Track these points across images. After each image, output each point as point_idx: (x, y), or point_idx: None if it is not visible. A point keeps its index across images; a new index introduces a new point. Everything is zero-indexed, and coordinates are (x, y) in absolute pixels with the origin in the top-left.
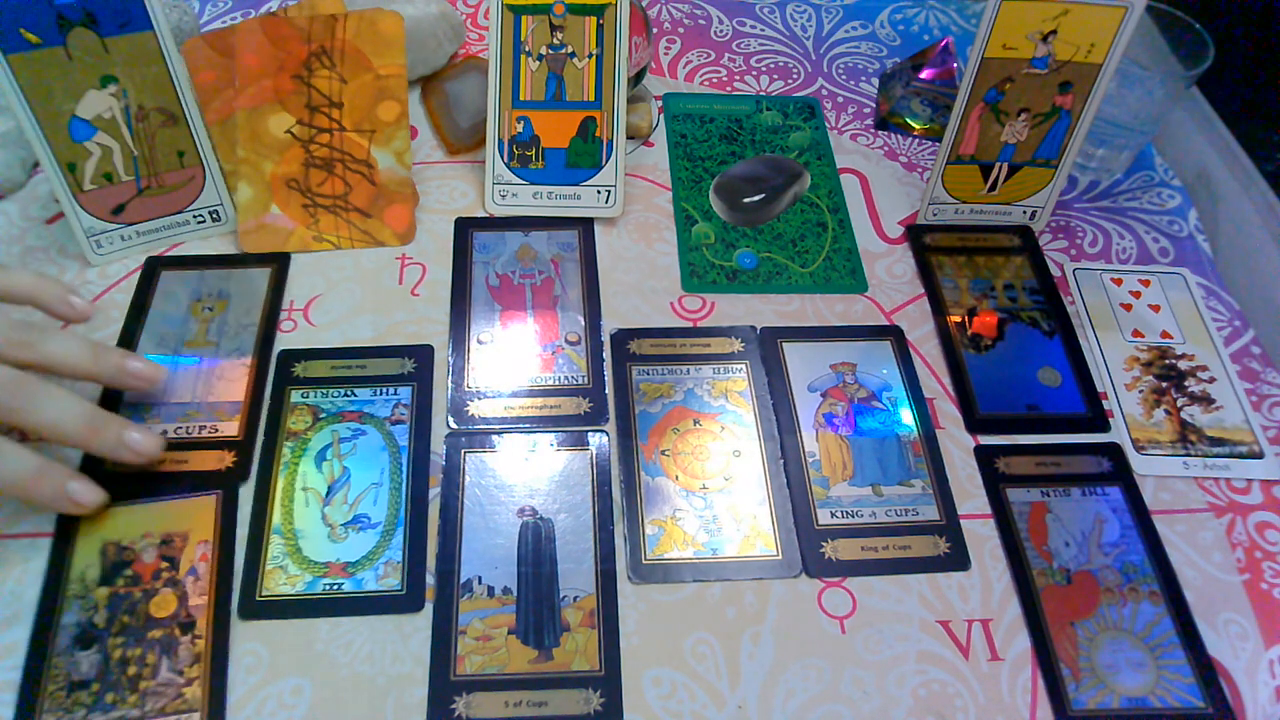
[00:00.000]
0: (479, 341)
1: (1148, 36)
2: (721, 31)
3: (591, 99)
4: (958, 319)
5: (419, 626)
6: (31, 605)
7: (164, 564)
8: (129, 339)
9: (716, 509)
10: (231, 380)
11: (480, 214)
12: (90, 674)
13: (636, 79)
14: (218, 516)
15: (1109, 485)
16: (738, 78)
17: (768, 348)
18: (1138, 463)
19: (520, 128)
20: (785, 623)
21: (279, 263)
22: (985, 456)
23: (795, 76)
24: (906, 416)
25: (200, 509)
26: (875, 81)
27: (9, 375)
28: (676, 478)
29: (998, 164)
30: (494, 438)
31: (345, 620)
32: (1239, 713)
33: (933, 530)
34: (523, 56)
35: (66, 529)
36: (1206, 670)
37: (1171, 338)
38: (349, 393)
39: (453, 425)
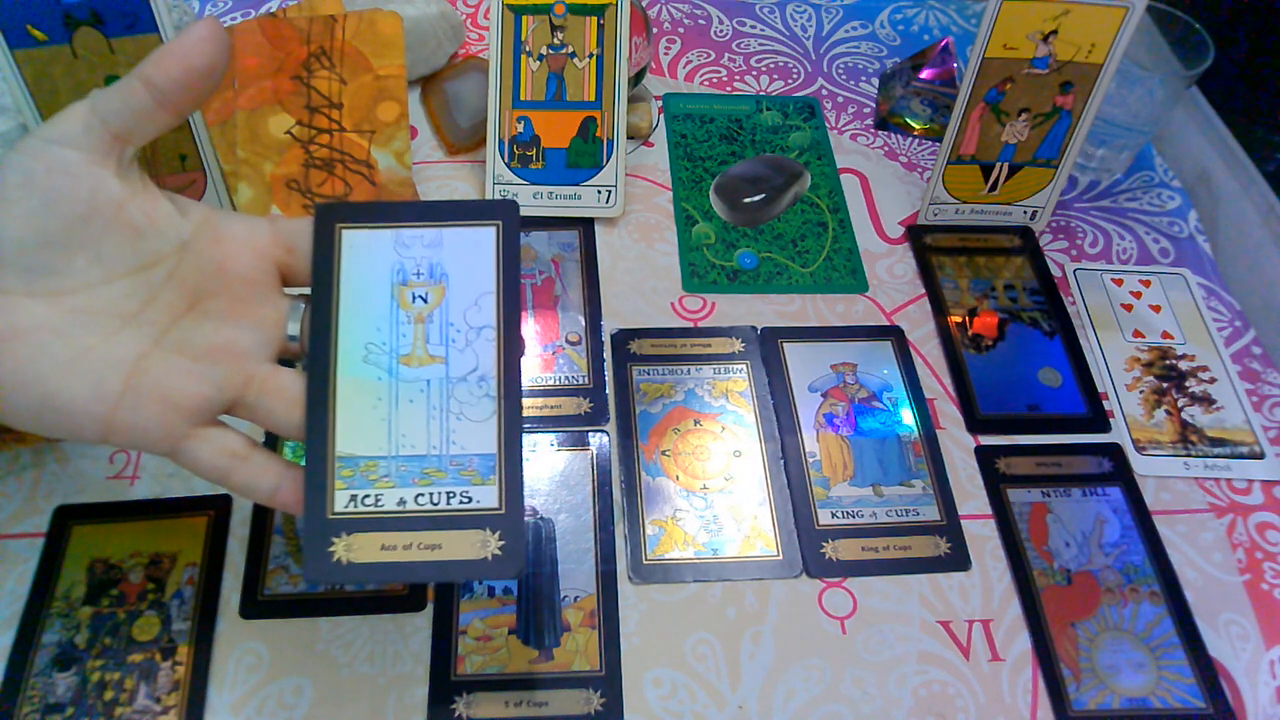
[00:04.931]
0: None
1: (1148, 36)
2: (721, 31)
3: (592, 99)
4: (958, 319)
5: (419, 626)
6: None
7: (150, 585)
8: None
9: (717, 509)
10: None
11: None
12: (66, 697)
13: (636, 79)
14: (207, 539)
15: (1110, 485)
16: (738, 78)
17: (768, 348)
18: (1138, 463)
19: (520, 128)
20: (786, 623)
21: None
22: (986, 457)
23: (795, 76)
24: (907, 417)
25: (190, 530)
26: (875, 81)
27: None
28: (677, 478)
29: (998, 164)
30: None
31: (346, 620)
32: (1239, 713)
33: (933, 530)
34: (523, 56)
35: (58, 542)
36: (1207, 671)
37: (1172, 338)
38: None
39: None
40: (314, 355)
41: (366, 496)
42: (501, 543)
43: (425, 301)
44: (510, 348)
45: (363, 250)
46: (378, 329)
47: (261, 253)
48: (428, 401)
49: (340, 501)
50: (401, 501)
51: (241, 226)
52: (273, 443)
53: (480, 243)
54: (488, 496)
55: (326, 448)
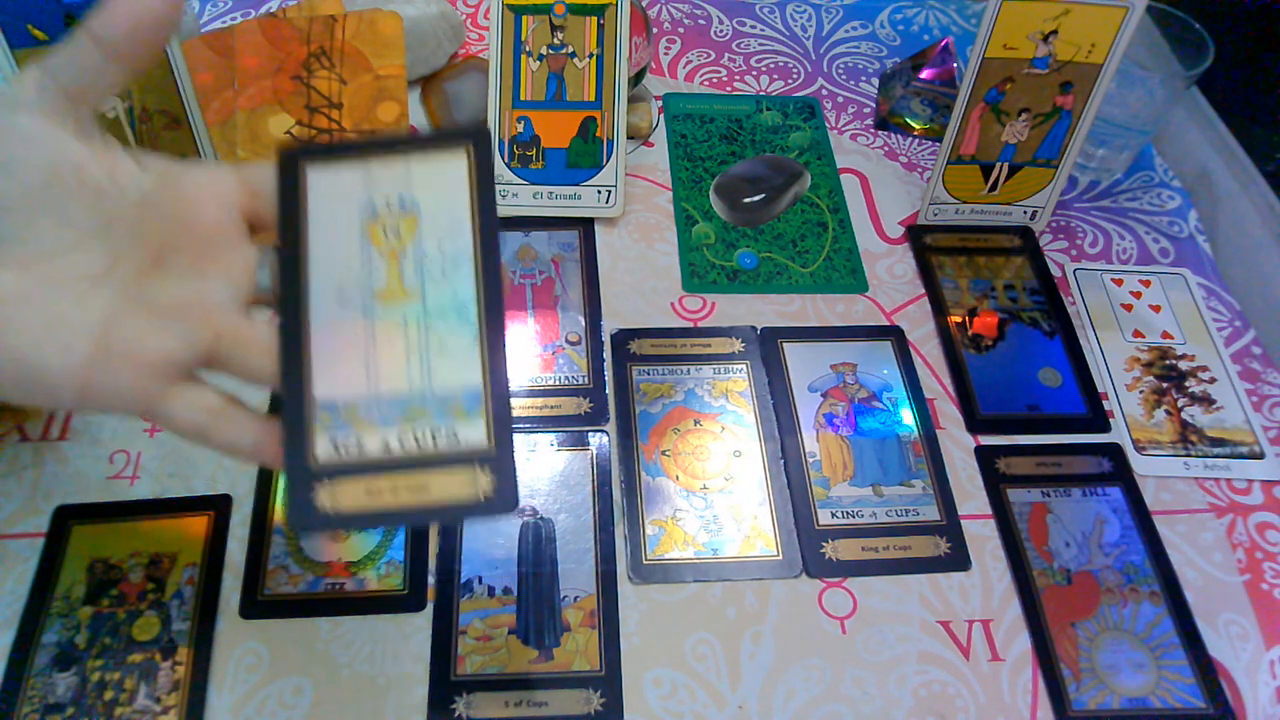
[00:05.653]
0: None
1: (1148, 36)
2: (721, 31)
3: (592, 99)
4: (958, 319)
5: (419, 626)
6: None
7: (150, 585)
8: None
9: (717, 509)
10: None
11: None
12: (66, 697)
13: (636, 79)
14: (207, 539)
15: (1109, 485)
16: (738, 78)
17: (768, 348)
18: (1138, 463)
19: (520, 128)
20: (786, 623)
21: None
22: (986, 457)
23: (795, 76)
24: (907, 417)
25: (190, 530)
26: (875, 81)
27: None
28: (677, 478)
29: (998, 164)
30: None
31: (346, 620)
32: (1239, 713)
33: (933, 530)
34: (523, 56)
35: (58, 542)
36: (1207, 671)
37: (1172, 338)
38: None
39: None
40: (285, 300)
41: (348, 440)
42: (492, 480)
43: (397, 235)
44: (490, 273)
45: (329, 188)
46: (348, 267)
47: (226, 201)
48: (406, 337)
49: (321, 448)
50: (385, 444)
51: (204, 176)
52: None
53: (451, 169)
54: (475, 433)
55: (303, 394)
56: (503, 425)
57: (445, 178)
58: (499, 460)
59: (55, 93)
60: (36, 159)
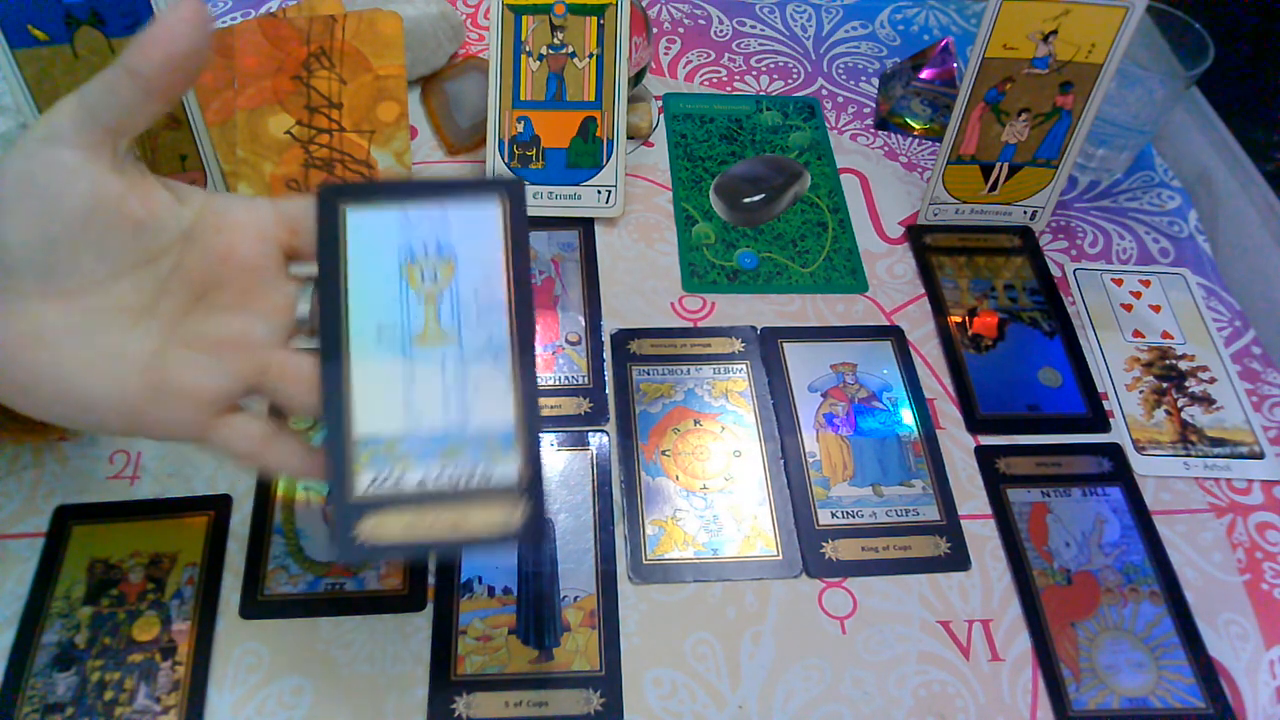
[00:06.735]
0: None
1: (1148, 36)
2: (721, 31)
3: (592, 99)
4: (958, 319)
5: (419, 626)
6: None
7: (150, 585)
8: None
9: (717, 509)
10: None
11: None
12: (66, 697)
13: (636, 79)
14: (207, 539)
15: (1109, 485)
16: (738, 78)
17: (768, 348)
18: (1138, 463)
19: (520, 128)
20: (786, 623)
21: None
22: (986, 457)
23: (795, 76)
24: (907, 417)
25: (190, 530)
26: (875, 81)
27: None
28: (677, 478)
29: (998, 164)
30: None
31: (346, 620)
32: (1239, 713)
33: (933, 530)
34: (523, 56)
35: (58, 542)
36: (1207, 670)
37: (1172, 338)
38: None
39: None
40: (326, 338)
41: (388, 476)
42: (522, 514)
43: (435, 279)
44: (522, 322)
45: (369, 230)
46: (389, 309)
47: (265, 236)
48: (444, 379)
49: (362, 482)
50: (424, 479)
51: (243, 211)
52: None
53: (487, 219)
54: (509, 470)
55: (345, 430)
56: (534, 463)
57: (481, 226)
58: (530, 495)
59: (92, 126)
60: (78, 192)
